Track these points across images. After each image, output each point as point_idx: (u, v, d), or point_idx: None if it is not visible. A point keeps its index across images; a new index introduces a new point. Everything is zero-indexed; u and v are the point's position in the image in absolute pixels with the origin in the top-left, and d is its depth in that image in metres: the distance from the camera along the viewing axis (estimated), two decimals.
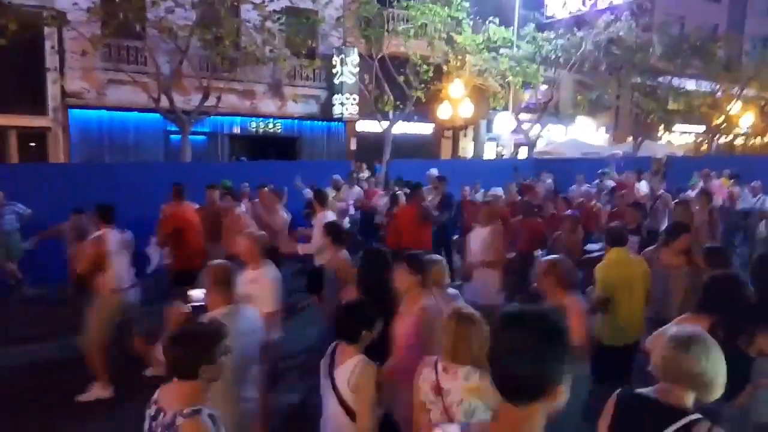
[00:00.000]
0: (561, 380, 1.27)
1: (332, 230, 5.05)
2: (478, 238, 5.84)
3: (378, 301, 3.14)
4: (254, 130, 18.22)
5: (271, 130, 18.58)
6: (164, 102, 13.35)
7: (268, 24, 13.63)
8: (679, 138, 28.15)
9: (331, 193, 10.49)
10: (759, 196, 10.15)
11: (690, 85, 22.24)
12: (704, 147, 25.92)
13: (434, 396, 2.66)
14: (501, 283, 5.63)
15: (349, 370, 2.75)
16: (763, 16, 32.11)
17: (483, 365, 2.65)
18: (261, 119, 18.25)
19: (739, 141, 28.99)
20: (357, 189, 10.91)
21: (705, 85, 22.88)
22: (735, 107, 23.16)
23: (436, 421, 2.67)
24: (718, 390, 2.01)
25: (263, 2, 13.29)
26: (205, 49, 13.87)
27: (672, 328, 2.38)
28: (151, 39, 13.42)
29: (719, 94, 23.06)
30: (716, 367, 2.01)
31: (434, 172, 11.45)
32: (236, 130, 17.93)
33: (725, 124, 24.01)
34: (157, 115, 14.30)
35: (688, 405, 1.99)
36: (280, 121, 18.59)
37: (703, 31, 22.28)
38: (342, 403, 2.74)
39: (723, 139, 27.13)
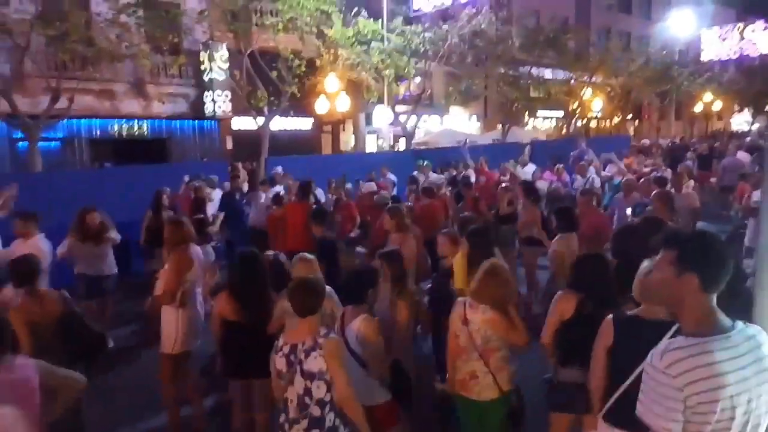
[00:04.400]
0: None
1: None
2: None
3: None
4: (117, 132, 16.89)
5: (137, 132, 17.33)
6: (5, 106, 11.88)
7: (123, 18, 12.61)
8: (543, 123, 30.51)
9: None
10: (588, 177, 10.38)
11: (547, 74, 24.05)
12: (564, 130, 28.28)
13: (461, 325, 3.47)
14: None
15: (356, 327, 3.39)
16: (605, 10, 35.56)
17: (500, 307, 3.40)
18: (124, 121, 16.95)
19: (593, 124, 32.02)
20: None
21: (560, 74, 24.92)
22: (587, 93, 25.52)
23: (464, 345, 3.46)
24: None
25: None
26: (49, 46, 12.51)
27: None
28: None
29: (573, 81, 25.24)
30: None
31: (279, 169, 11.39)
32: (96, 133, 16.49)
33: (580, 109, 26.38)
34: None
35: (668, 317, 2.17)
36: (145, 121, 17.38)
37: (555, 24, 24.16)
38: (354, 356, 3.32)
39: (579, 123, 29.88)
